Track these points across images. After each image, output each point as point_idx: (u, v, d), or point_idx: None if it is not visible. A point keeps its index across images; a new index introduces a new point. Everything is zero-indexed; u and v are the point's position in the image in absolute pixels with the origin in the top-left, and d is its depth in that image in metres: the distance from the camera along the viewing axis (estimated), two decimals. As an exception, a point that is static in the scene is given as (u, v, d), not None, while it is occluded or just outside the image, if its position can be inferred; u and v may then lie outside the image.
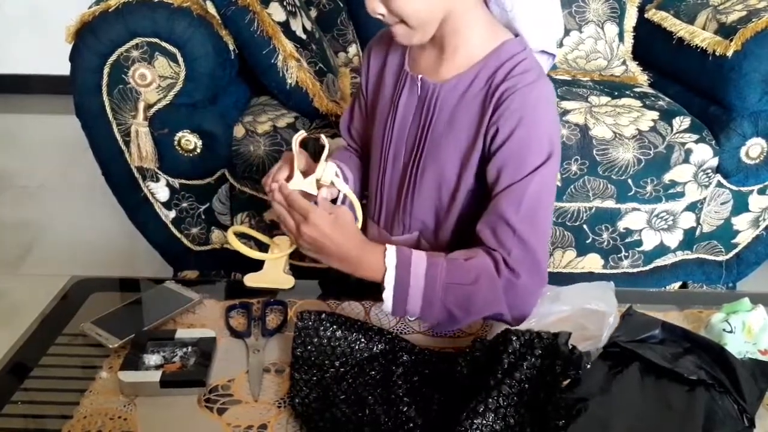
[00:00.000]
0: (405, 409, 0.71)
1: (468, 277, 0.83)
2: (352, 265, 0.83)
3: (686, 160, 1.54)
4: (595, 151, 1.52)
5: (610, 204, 1.57)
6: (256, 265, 0.95)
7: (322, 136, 0.87)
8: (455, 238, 0.94)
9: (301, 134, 0.86)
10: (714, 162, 1.57)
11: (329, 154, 0.87)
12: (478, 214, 0.90)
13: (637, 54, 2.01)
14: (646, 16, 1.97)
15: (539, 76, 0.88)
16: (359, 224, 0.90)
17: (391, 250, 0.82)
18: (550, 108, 0.90)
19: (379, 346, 0.81)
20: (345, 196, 0.92)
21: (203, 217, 1.60)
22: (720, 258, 1.73)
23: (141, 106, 1.41)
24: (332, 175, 0.86)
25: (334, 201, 0.92)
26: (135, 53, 1.38)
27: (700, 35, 1.67)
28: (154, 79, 1.40)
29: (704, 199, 1.63)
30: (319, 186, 0.86)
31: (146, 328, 0.84)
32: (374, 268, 0.82)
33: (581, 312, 0.79)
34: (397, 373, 0.76)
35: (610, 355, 0.78)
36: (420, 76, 0.93)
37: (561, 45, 1.93)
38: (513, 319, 0.86)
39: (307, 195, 0.85)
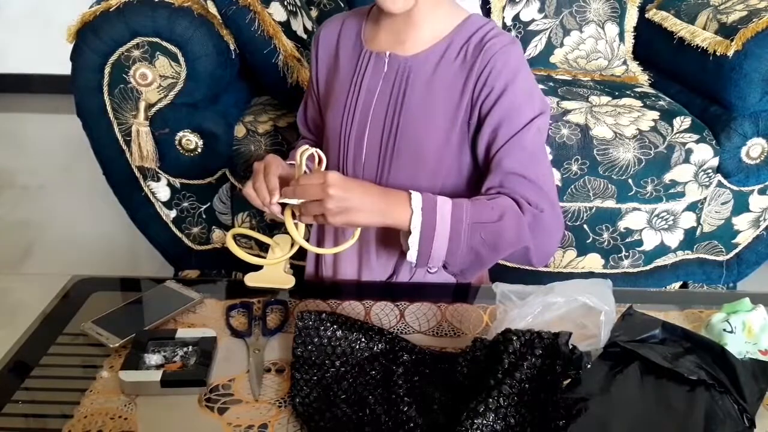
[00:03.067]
0: (405, 409, 0.71)
1: (493, 214, 0.84)
2: (380, 213, 0.82)
3: (687, 160, 1.55)
4: (595, 151, 1.52)
5: (610, 204, 1.57)
6: (257, 265, 0.95)
7: (320, 151, 0.86)
8: None
9: (306, 148, 0.86)
10: (714, 162, 1.57)
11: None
12: (462, 180, 0.94)
13: (638, 54, 2.01)
14: (646, 16, 1.97)
15: (512, 38, 0.93)
16: (358, 229, 0.90)
17: (416, 194, 0.83)
18: (529, 69, 0.93)
19: (380, 345, 0.81)
20: None
21: (204, 216, 1.60)
22: (720, 258, 1.73)
23: (142, 105, 1.41)
24: None
25: None
26: (136, 53, 1.38)
27: (700, 35, 1.67)
28: (155, 78, 1.40)
29: (705, 199, 1.63)
30: None
31: (147, 327, 0.84)
32: (401, 212, 0.82)
33: (576, 306, 0.79)
34: (398, 373, 0.76)
35: (610, 355, 0.78)
36: (388, 53, 0.93)
37: (562, 44, 1.93)
38: (537, 257, 0.88)
39: None
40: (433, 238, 0.82)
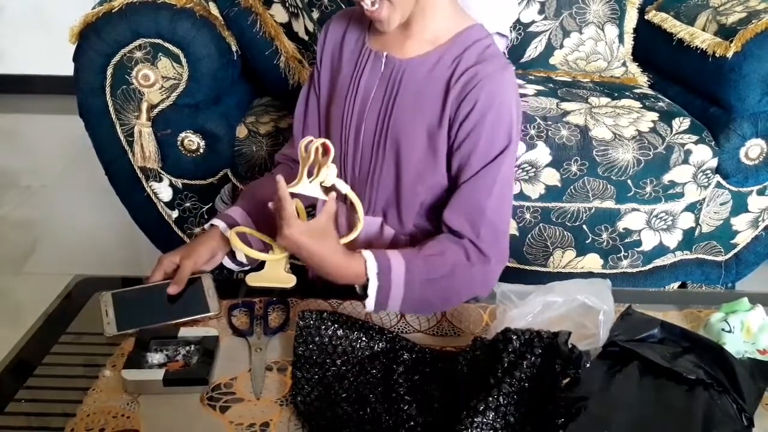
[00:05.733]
0: (406, 408, 0.71)
1: (444, 270, 0.88)
2: (331, 271, 0.86)
3: (686, 161, 1.55)
4: (594, 152, 1.52)
5: (609, 204, 1.58)
6: (258, 265, 0.96)
7: (327, 141, 0.87)
8: (419, 219, 0.97)
9: (311, 140, 0.86)
10: (713, 163, 1.57)
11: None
12: (440, 196, 0.94)
13: (637, 55, 2.01)
14: (646, 17, 1.97)
15: (505, 63, 0.92)
16: (360, 225, 0.91)
17: (371, 260, 0.86)
18: (515, 92, 0.93)
19: (380, 344, 0.82)
20: (346, 196, 0.93)
21: (206, 217, 1.60)
22: (719, 258, 1.73)
23: (144, 106, 1.42)
24: (334, 178, 0.87)
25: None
26: (138, 54, 1.38)
27: (700, 36, 1.67)
28: (158, 79, 1.40)
29: (703, 199, 1.63)
30: (322, 187, 0.87)
31: (152, 326, 0.85)
32: (355, 275, 0.86)
33: (575, 305, 0.79)
34: (398, 372, 0.76)
35: (609, 354, 0.78)
36: (385, 53, 0.95)
37: (561, 46, 1.93)
38: (483, 293, 0.95)
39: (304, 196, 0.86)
40: (388, 298, 0.87)
